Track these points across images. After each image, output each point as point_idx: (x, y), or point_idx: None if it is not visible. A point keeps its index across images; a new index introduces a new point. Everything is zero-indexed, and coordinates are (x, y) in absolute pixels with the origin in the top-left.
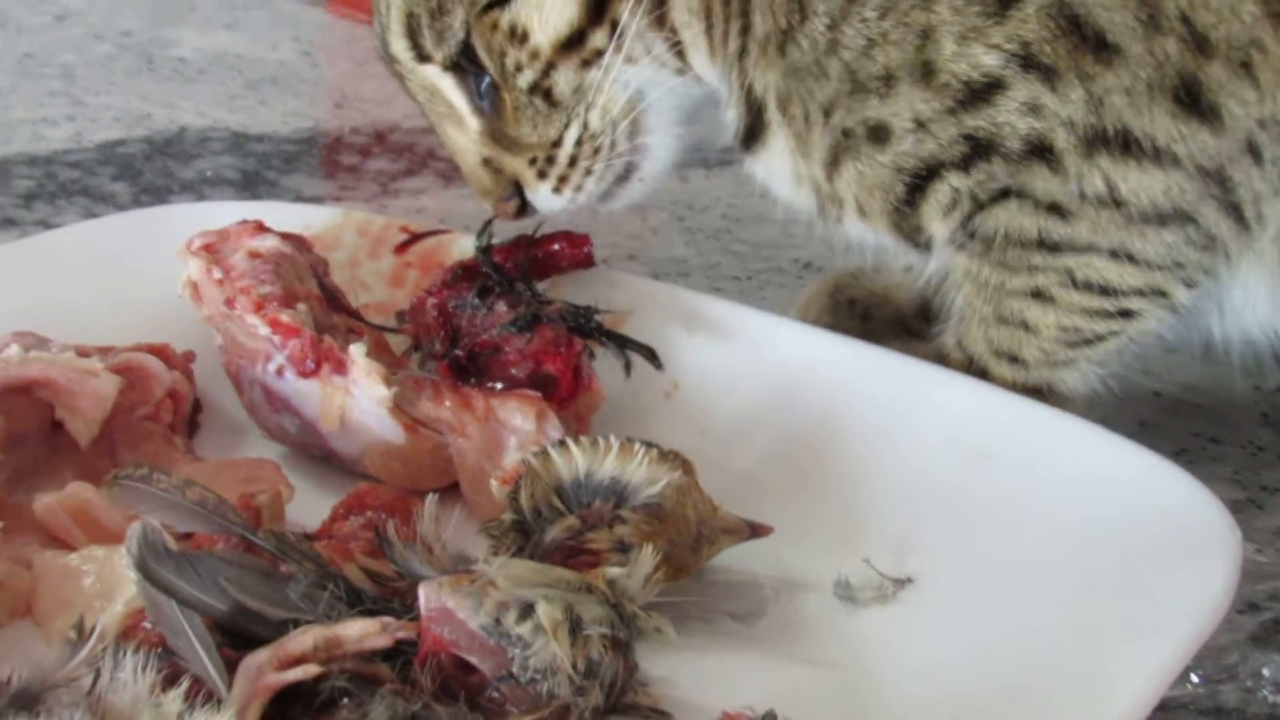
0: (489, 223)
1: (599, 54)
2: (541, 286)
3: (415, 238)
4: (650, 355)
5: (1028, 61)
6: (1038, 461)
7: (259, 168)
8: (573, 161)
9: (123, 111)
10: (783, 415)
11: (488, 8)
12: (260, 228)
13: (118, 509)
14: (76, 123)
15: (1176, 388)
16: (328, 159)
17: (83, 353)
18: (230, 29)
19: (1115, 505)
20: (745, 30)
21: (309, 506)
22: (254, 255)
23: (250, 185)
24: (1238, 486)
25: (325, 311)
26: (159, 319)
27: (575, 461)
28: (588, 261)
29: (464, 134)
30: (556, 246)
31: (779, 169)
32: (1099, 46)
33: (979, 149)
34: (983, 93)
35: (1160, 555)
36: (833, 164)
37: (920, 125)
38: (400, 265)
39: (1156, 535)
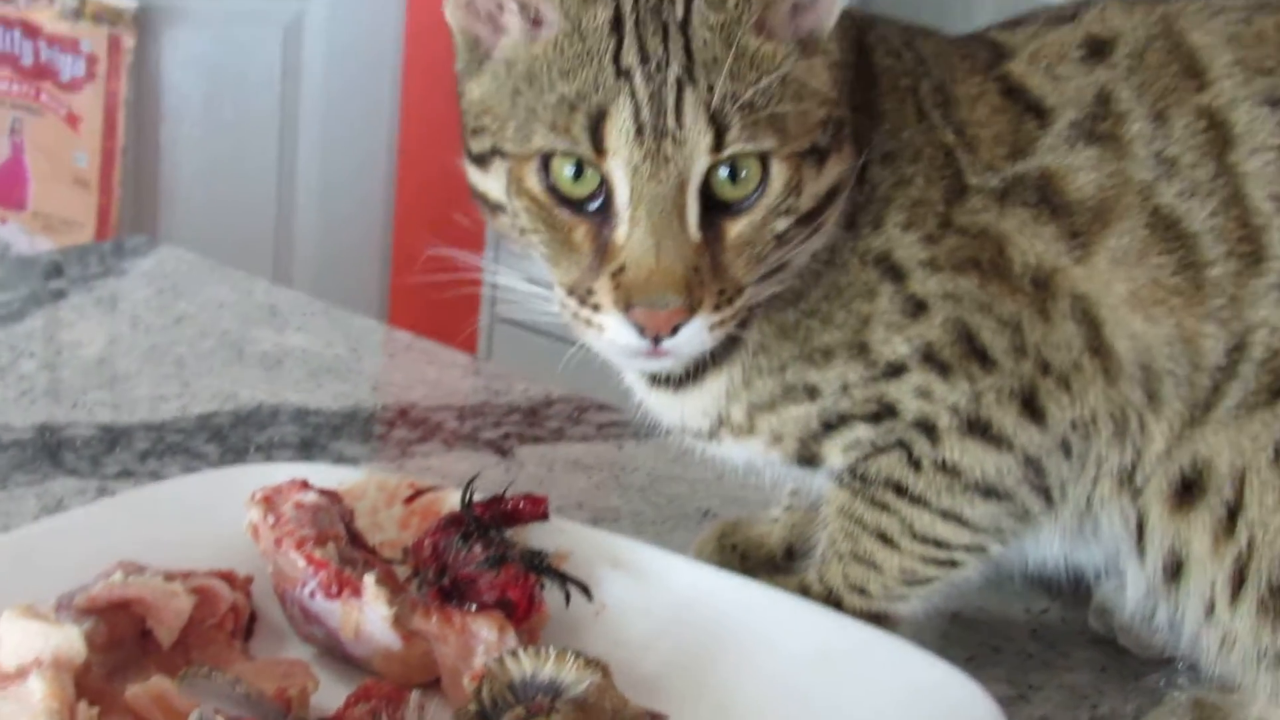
0: (471, 481)
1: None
2: (508, 533)
3: (419, 493)
4: (584, 589)
5: (928, 357)
6: (866, 670)
7: (314, 435)
8: (734, 317)
9: (217, 391)
10: (680, 632)
11: (794, 154)
12: (305, 485)
13: (187, 698)
14: (184, 399)
15: (970, 608)
16: (364, 429)
17: (169, 577)
18: (299, 330)
19: (919, 702)
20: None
21: (330, 695)
22: (299, 506)
23: (306, 448)
24: (1010, 685)
25: (348, 549)
26: (229, 551)
27: (524, 665)
28: (544, 516)
29: (680, 235)
30: (522, 504)
31: (697, 403)
32: (983, 358)
33: (886, 410)
34: (896, 370)
35: None
36: (769, 407)
37: (844, 389)
38: (407, 513)
39: None
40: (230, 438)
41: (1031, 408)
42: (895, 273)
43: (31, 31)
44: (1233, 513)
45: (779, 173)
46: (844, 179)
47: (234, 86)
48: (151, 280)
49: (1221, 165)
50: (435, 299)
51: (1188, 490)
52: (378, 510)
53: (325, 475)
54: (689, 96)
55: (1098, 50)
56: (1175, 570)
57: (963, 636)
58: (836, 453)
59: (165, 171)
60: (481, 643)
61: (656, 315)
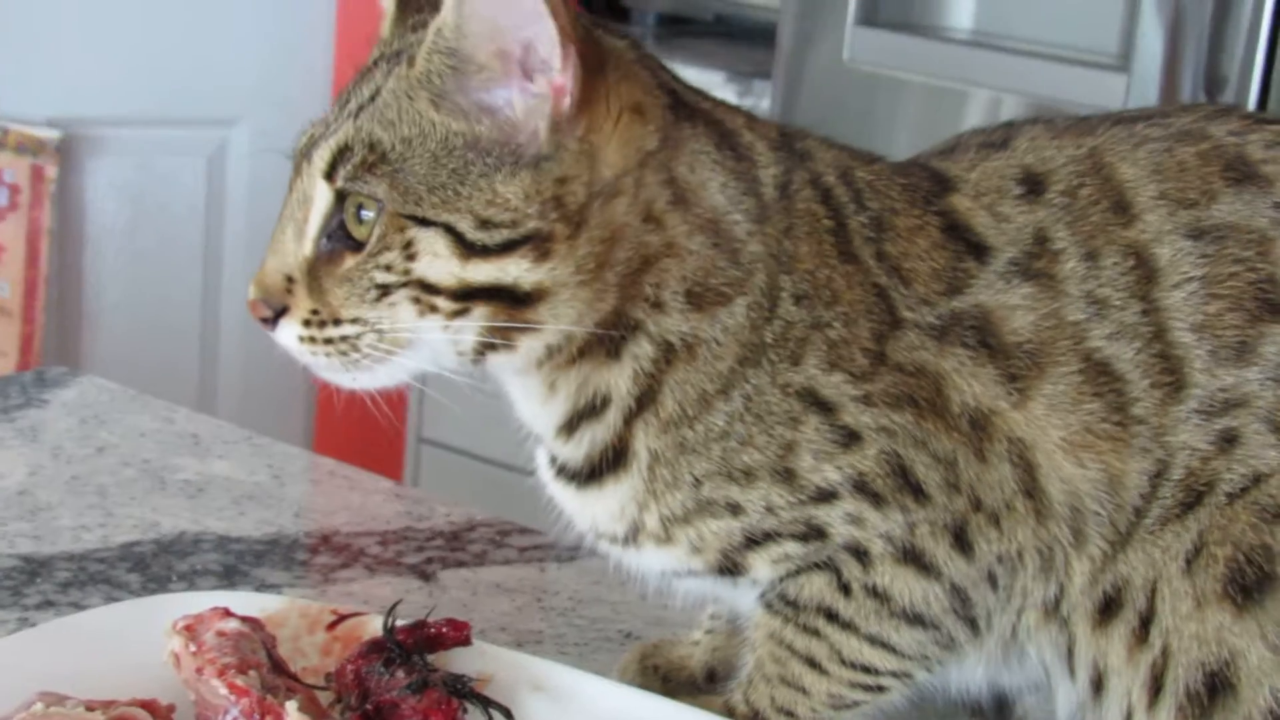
0: (393, 607)
1: (434, 309)
2: (431, 658)
3: (341, 618)
4: (506, 713)
5: (860, 486)
6: None
7: (236, 562)
8: (329, 340)
9: (140, 520)
10: None
11: (406, 215)
12: (226, 613)
13: None
14: (106, 529)
15: None
16: (286, 555)
17: (90, 706)
18: (221, 458)
19: None
20: (643, 401)
21: None
22: (220, 634)
23: (229, 575)
24: None
25: (271, 675)
26: (151, 681)
27: None
28: (466, 641)
29: (291, 245)
30: (444, 629)
31: (603, 505)
32: (917, 491)
33: (814, 532)
34: (827, 495)
35: None
36: (682, 519)
37: (770, 510)
38: (330, 639)
39: None
40: (153, 566)
41: (961, 541)
42: (823, 406)
43: None
44: (1145, 622)
45: (388, 226)
46: (548, 291)
47: (157, 215)
48: (73, 410)
49: (1147, 302)
50: (360, 424)
51: (1108, 607)
52: (300, 637)
53: (247, 603)
54: (335, 129)
55: (1034, 187)
56: (1098, 684)
57: None
58: (764, 565)
59: (88, 299)
60: None
61: (256, 304)
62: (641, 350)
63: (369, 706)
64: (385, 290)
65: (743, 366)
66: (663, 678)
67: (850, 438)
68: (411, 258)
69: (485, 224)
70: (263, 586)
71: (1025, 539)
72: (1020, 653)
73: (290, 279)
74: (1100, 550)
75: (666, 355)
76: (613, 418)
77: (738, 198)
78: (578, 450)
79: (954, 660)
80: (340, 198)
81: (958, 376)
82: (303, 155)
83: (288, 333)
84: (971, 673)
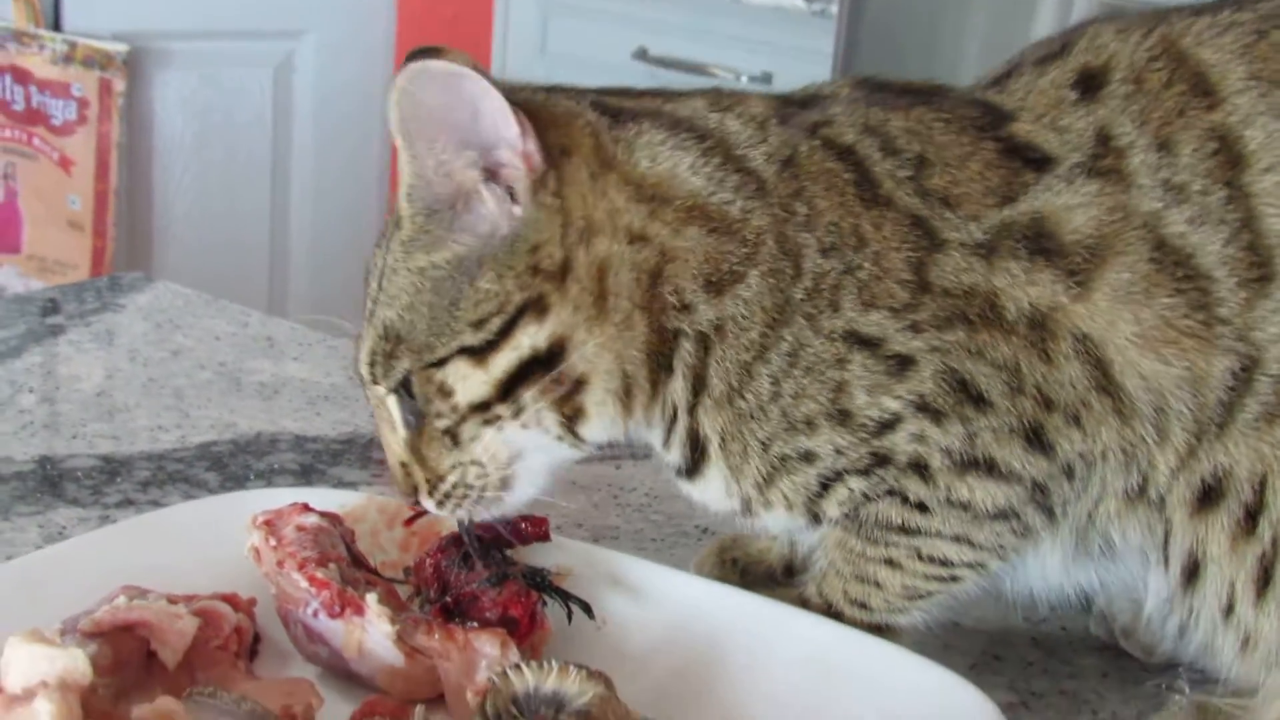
0: None
1: (498, 418)
2: (509, 553)
3: (418, 514)
4: (585, 606)
5: (922, 407)
6: (867, 677)
7: (313, 462)
8: (447, 495)
9: (217, 421)
10: (682, 642)
11: (427, 366)
12: (306, 508)
13: (193, 717)
14: (183, 429)
15: (970, 619)
16: (362, 455)
17: (173, 600)
18: (296, 360)
19: (920, 709)
20: (698, 390)
21: (335, 711)
22: (300, 529)
23: (306, 474)
24: (1013, 692)
25: (350, 569)
26: (231, 575)
27: (527, 679)
28: (545, 536)
29: (394, 439)
30: (523, 524)
31: (713, 490)
32: (978, 401)
33: (877, 461)
34: (888, 425)
35: None
36: (768, 482)
37: (839, 451)
38: (408, 535)
39: None
40: (230, 466)
41: (1040, 442)
42: (866, 342)
43: (22, 77)
44: (1252, 514)
45: (421, 383)
46: (566, 339)
47: (225, 127)
48: (148, 315)
49: (1233, 188)
50: None
51: (1207, 496)
52: (378, 532)
53: (326, 499)
54: (365, 338)
55: (1091, 84)
56: (1192, 573)
57: (964, 645)
58: (833, 507)
59: (158, 212)
60: (484, 659)
61: (407, 499)
62: (684, 351)
63: (448, 599)
64: (453, 434)
65: (775, 329)
66: (741, 571)
67: (903, 364)
68: (449, 394)
69: (480, 324)
70: (339, 485)
71: (1110, 438)
72: (1104, 540)
73: (404, 464)
74: (1186, 443)
75: (703, 344)
76: (683, 417)
77: (718, 175)
78: (677, 454)
79: (1030, 548)
80: (396, 390)
81: (1012, 290)
82: (356, 369)
83: (431, 507)
84: (1048, 561)
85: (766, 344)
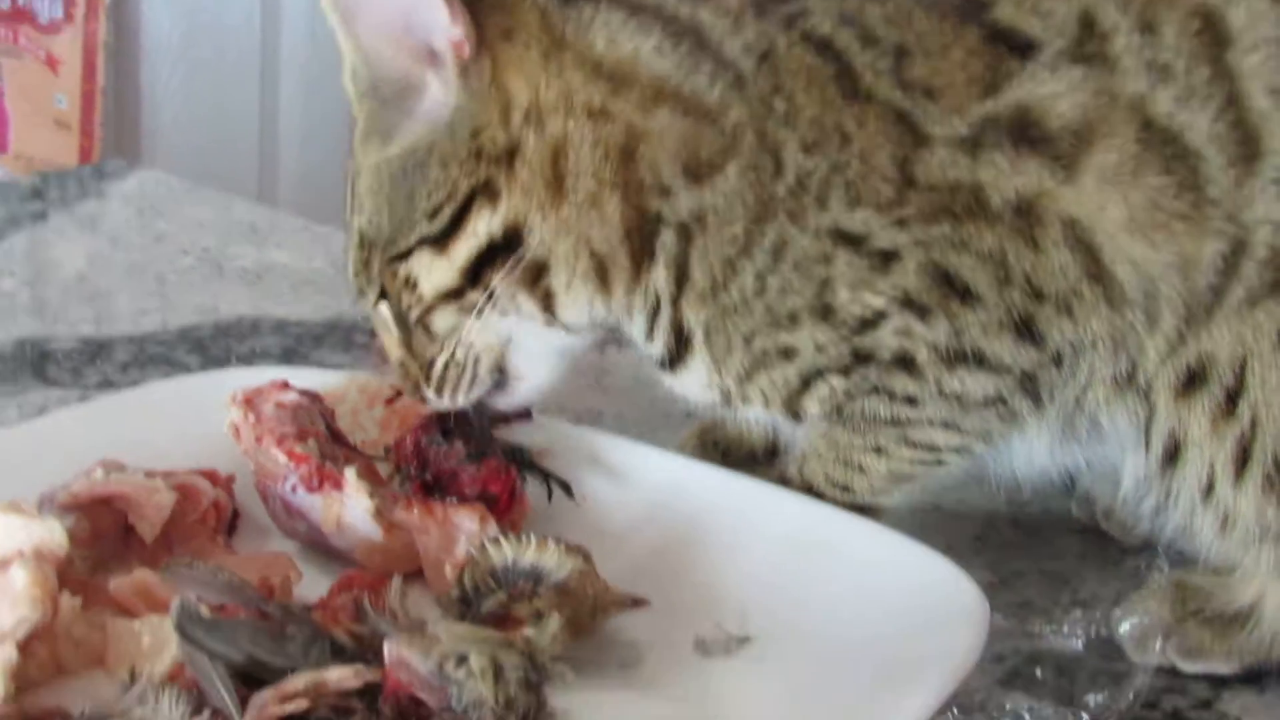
0: None
1: (472, 305)
2: (491, 432)
3: (399, 394)
4: (565, 486)
5: (906, 302)
6: (845, 555)
7: (295, 345)
8: (441, 379)
9: (198, 305)
10: (662, 518)
11: (392, 260)
12: (285, 385)
13: (170, 588)
14: (164, 313)
15: (951, 501)
16: (345, 338)
17: (150, 475)
18: (280, 246)
19: (900, 586)
20: (680, 282)
21: (314, 586)
22: (279, 405)
23: (288, 358)
24: (992, 572)
25: (329, 445)
26: (210, 452)
27: (506, 553)
28: (526, 416)
29: (390, 340)
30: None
31: (694, 381)
32: (964, 295)
33: (858, 359)
34: (870, 323)
35: (930, 622)
36: (748, 376)
37: (819, 348)
38: (389, 414)
39: (927, 607)
40: (211, 349)
41: (1030, 333)
42: (850, 239)
43: None
44: (1233, 396)
45: (387, 281)
46: (520, 225)
47: (213, 27)
48: (131, 201)
49: (1217, 66)
50: None
51: (1192, 381)
52: (359, 412)
53: (306, 377)
54: (347, 255)
55: None
56: (1173, 455)
57: (945, 527)
58: (814, 405)
59: (146, 112)
60: (463, 533)
61: (412, 396)
62: (666, 240)
63: (428, 476)
64: (424, 325)
65: (758, 224)
66: (723, 452)
67: (886, 259)
68: (415, 286)
69: (434, 213)
70: (322, 367)
71: (1100, 327)
72: (1091, 424)
73: (403, 363)
74: (1175, 329)
75: (685, 235)
76: (666, 308)
77: (689, 63)
78: (660, 345)
79: (1015, 433)
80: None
81: (997, 182)
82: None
83: (431, 398)
84: (1034, 445)
85: (750, 239)
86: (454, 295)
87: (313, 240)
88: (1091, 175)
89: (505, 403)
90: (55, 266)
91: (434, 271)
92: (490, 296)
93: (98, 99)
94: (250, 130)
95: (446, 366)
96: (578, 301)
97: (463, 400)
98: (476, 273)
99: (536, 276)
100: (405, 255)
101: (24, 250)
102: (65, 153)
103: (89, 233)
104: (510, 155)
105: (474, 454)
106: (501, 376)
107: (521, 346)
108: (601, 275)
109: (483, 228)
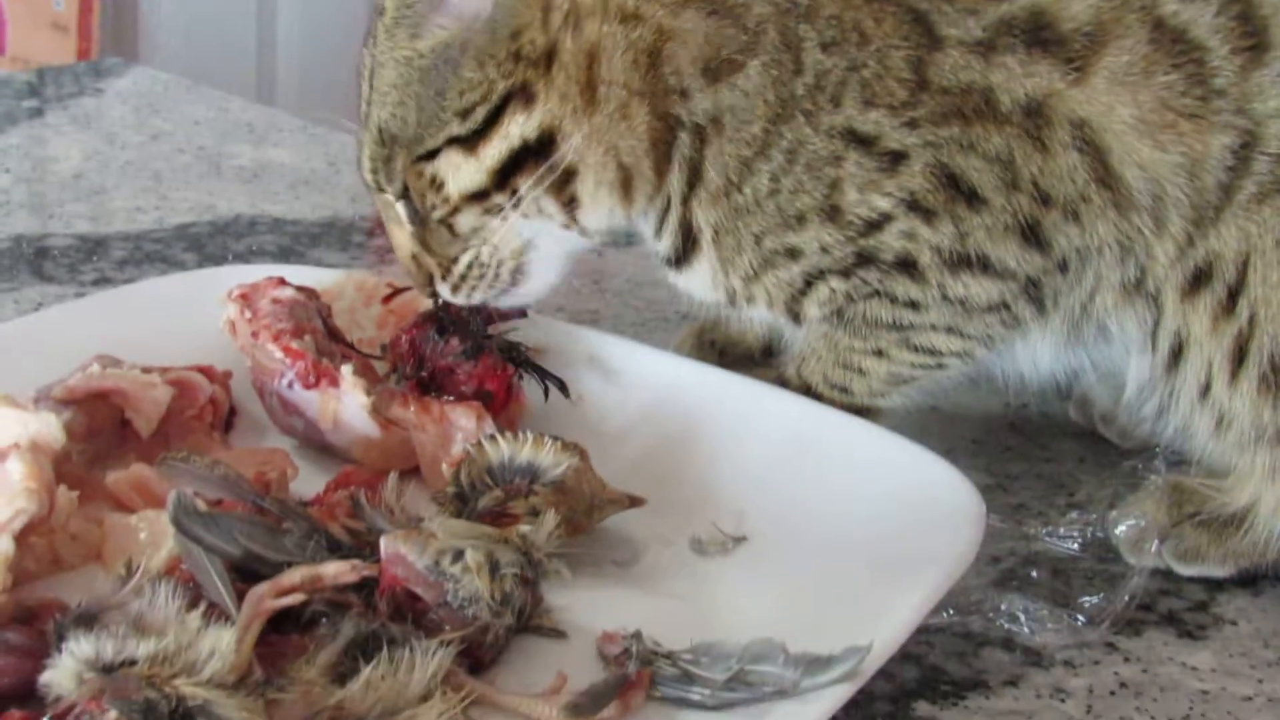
0: None
1: (499, 207)
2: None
3: (396, 291)
4: (561, 385)
5: (913, 205)
6: (843, 455)
7: (292, 244)
8: (463, 278)
9: (195, 203)
10: (658, 418)
11: (418, 159)
12: (281, 282)
13: (166, 482)
14: (161, 211)
15: (949, 405)
16: (342, 238)
17: (146, 370)
18: (277, 146)
19: (897, 487)
20: (693, 183)
21: (310, 482)
22: (275, 301)
23: (285, 256)
24: (989, 475)
25: (326, 342)
26: (208, 347)
27: (502, 450)
28: (521, 314)
29: (402, 234)
30: None
31: (699, 279)
32: (971, 197)
33: (861, 260)
34: (876, 225)
35: (927, 522)
36: (755, 276)
37: (824, 249)
38: (385, 312)
39: (925, 508)
40: (208, 246)
41: (1036, 239)
42: (862, 140)
43: None
44: (1233, 293)
45: (412, 179)
46: (555, 130)
47: None
48: (128, 99)
49: None
50: None
51: (1198, 280)
52: (356, 309)
53: (303, 275)
54: (363, 148)
55: None
56: (1176, 354)
57: (942, 430)
58: (814, 308)
59: (143, 13)
60: (459, 430)
61: (421, 290)
62: (682, 143)
63: (424, 373)
64: (449, 225)
65: (776, 124)
66: (719, 352)
67: (894, 160)
68: (441, 186)
69: (466, 113)
70: (319, 265)
71: (1106, 232)
72: (1098, 329)
73: (415, 256)
74: (1184, 232)
75: (700, 137)
76: (675, 207)
77: None
78: (668, 243)
79: (1018, 338)
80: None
81: (1008, 84)
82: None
83: (446, 292)
84: (1037, 349)
85: (768, 140)
86: (480, 197)
87: (310, 140)
88: (1102, 76)
89: (508, 302)
90: (52, 163)
91: (462, 172)
92: (517, 200)
93: (95, 1)
94: (248, 30)
95: (470, 266)
96: (599, 208)
97: (479, 299)
98: (505, 176)
99: (564, 182)
100: (431, 155)
101: (20, 147)
102: (63, 55)
103: (86, 130)
104: (548, 58)
105: (470, 350)
106: (514, 279)
107: (538, 248)
108: (626, 186)
109: (516, 130)
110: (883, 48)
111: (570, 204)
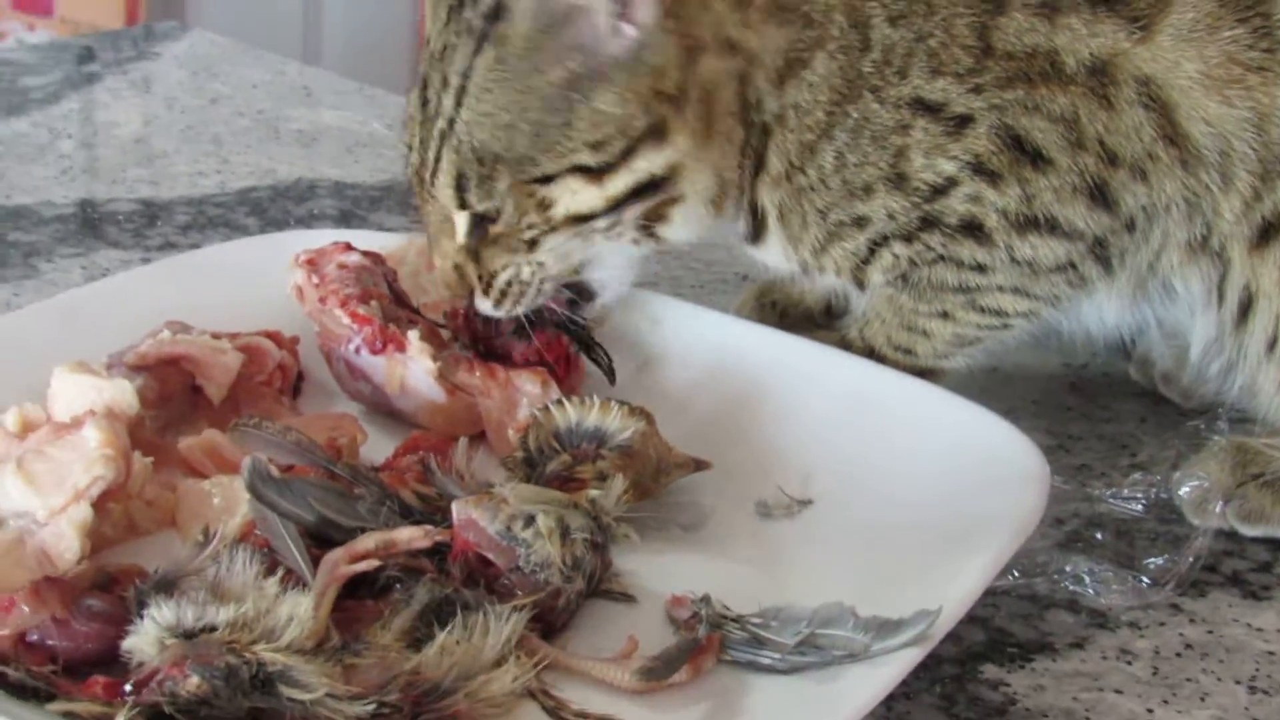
0: None
1: (592, 230)
2: None
3: None
4: (609, 369)
5: (978, 168)
6: (907, 417)
7: (352, 208)
8: (503, 293)
9: (256, 167)
10: (722, 381)
11: (529, 181)
12: (348, 247)
13: (238, 448)
14: (222, 175)
15: (1009, 365)
16: (402, 201)
17: (216, 336)
18: (334, 109)
19: (961, 448)
20: (757, 170)
21: (378, 447)
22: (342, 266)
23: (345, 220)
24: (1050, 436)
25: (392, 307)
26: (275, 313)
27: (569, 415)
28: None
29: (450, 245)
30: None
31: (774, 253)
32: (1036, 159)
33: (923, 225)
34: (941, 189)
35: (992, 484)
36: (823, 248)
37: (890, 215)
38: None
39: (990, 470)
40: (270, 211)
41: (1104, 199)
42: (929, 107)
43: None
44: None
45: (518, 195)
46: (680, 166)
47: None
48: (184, 63)
49: None
50: None
51: (1266, 233)
52: (419, 274)
53: (367, 239)
54: (439, 159)
55: None
56: (1245, 309)
57: (1002, 391)
58: (878, 274)
59: None
60: (525, 396)
61: (455, 301)
62: (751, 139)
63: (480, 348)
64: (534, 242)
65: (842, 105)
66: (780, 313)
67: (960, 124)
68: (548, 208)
69: (599, 145)
70: (380, 230)
71: (1174, 190)
72: (1164, 287)
73: (458, 266)
74: (1250, 186)
75: (764, 132)
76: (746, 191)
77: None
78: (743, 223)
79: (1084, 297)
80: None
81: (1073, 45)
82: (418, 180)
83: (485, 306)
84: (1103, 307)
85: (832, 122)
86: (584, 220)
87: (365, 102)
88: (1168, 34)
89: (586, 313)
90: (112, 128)
91: (579, 197)
92: (616, 224)
93: None
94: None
95: (510, 283)
96: (690, 225)
97: (517, 311)
98: (620, 204)
99: (664, 205)
100: (547, 179)
101: (79, 112)
102: (110, 16)
103: (143, 94)
104: (681, 97)
105: (519, 331)
106: (581, 292)
107: (604, 262)
108: (720, 199)
109: (644, 165)
110: (948, 16)
111: (656, 221)
